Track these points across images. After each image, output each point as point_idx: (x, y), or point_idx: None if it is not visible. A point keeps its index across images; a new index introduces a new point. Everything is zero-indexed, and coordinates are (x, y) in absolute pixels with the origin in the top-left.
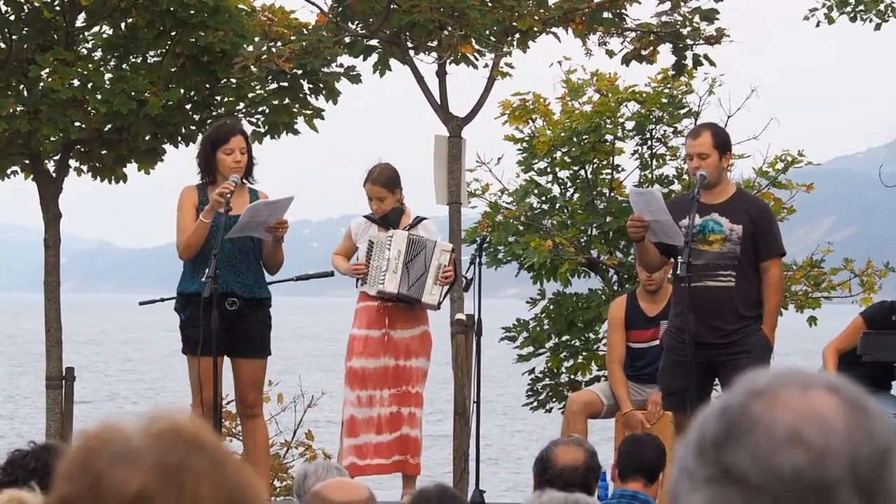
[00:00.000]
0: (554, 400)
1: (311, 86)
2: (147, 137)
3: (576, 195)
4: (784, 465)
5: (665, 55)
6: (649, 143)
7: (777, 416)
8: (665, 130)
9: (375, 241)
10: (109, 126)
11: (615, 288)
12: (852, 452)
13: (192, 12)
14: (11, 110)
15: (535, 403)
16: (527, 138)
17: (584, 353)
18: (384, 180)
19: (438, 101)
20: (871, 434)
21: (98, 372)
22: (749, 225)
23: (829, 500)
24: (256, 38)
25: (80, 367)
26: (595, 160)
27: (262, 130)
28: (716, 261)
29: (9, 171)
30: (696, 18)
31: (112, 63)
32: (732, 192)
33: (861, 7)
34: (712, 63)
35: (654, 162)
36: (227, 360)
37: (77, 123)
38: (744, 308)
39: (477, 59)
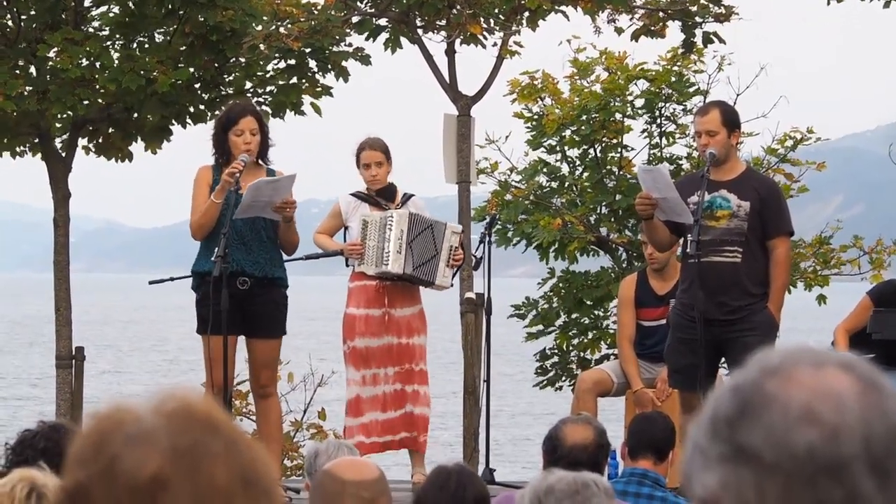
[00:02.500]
0: (564, 378)
1: (318, 64)
2: (155, 117)
3: (585, 173)
4: (798, 442)
5: (674, 32)
6: (658, 121)
7: (791, 394)
8: (674, 109)
9: (370, 220)
10: (118, 105)
11: (625, 266)
12: (866, 430)
13: None
14: (21, 90)
15: (544, 382)
16: (535, 117)
17: (593, 331)
18: (381, 146)
19: (447, 80)
20: (885, 412)
21: (109, 351)
22: (757, 202)
23: (843, 478)
24: (265, 18)
25: (90, 347)
26: (604, 138)
27: (269, 110)
28: (723, 236)
29: (18, 151)
30: None
31: (120, 42)
32: (742, 170)
33: None
34: (722, 41)
35: (664, 140)
36: (242, 340)
37: (86, 102)
38: (750, 284)
39: (486, 38)
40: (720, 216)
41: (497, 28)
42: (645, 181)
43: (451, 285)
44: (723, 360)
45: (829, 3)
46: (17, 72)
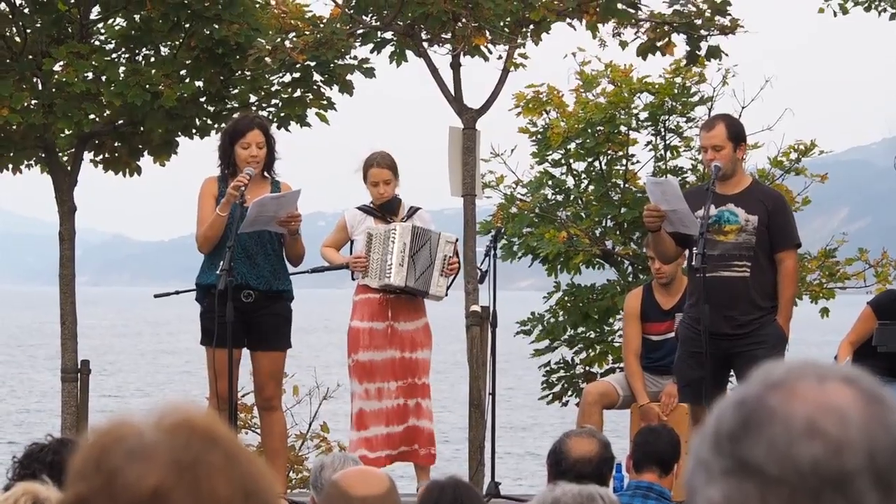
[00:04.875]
0: (570, 392)
1: (323, 77)
2: (161, 131)
3: (590, 186)
4: (801, 457)
5: (679, 45)
6: (663, 133)
7: (794, 408)
8: (678, 121)
9: (374, 233)
10: (124, 119)
11: (630, 279)
12: (870, 444)
13: (206, 5)
14: (26, 104)
15: (550, 396)
16: (541, 130)
17: (599, 345)
18: (389, 163)
19: (453, 93)
20: (888, 425)
21: (115, 364)
22: (764, 215)
23: (846, 491)
24: (270, 32)
25: (95, 361)
26: (609, 151)
27: (274, 122)
28: (731, 251)
29: (24, 165)
30: (709, 11)
31: (126, 56)
32: (748, 184)
33: None
34: (723, 54)
35: (669, 153)
36: (247, 353)
37: (91, 116)
38: (759, 298)
39: (490, 52)
40: (728, 231)
41: (502, 41)
42: (654, 193)
43: (447, 295)
44: (732, 373)
45: (835, 16)
46: (23, 85)
